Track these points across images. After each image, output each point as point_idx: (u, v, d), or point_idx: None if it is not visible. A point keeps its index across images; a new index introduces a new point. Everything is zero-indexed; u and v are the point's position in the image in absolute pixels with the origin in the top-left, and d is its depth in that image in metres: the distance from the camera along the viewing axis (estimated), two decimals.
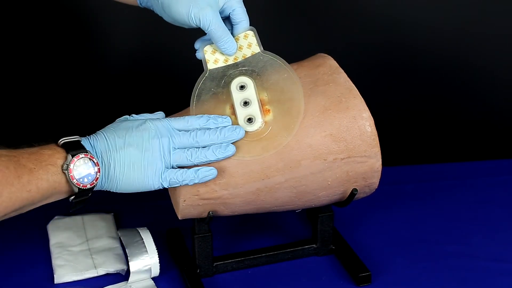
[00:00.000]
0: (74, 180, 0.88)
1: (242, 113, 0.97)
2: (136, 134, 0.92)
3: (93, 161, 0.89)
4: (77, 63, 1.44)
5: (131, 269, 1.04)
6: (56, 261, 1.08)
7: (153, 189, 0.93)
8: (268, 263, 1.09)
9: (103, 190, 0.94)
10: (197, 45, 1.01)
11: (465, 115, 1.56)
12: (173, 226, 1.13)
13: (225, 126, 0.95)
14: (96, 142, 0.91)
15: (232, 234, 1.16)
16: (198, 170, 0.93)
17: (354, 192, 1.00)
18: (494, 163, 1.36)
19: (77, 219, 1.17)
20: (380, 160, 0.99)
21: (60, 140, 0.90)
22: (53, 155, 0.88)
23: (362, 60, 1.48)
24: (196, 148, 0.93)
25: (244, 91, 0.98)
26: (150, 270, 1.04)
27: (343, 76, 1.01)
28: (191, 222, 1.03)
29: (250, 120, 0.96)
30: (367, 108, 0.98)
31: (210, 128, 0.94)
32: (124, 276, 1.06)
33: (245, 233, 1.16)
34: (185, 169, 0.93)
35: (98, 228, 1.15)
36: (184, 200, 0.96)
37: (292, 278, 1.07)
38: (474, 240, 1.15)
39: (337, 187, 0.99)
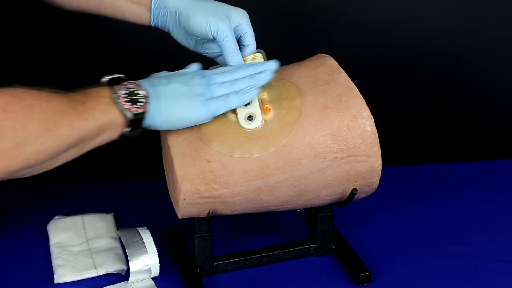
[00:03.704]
0: (126, 105, 0.89)
1: (242, 110, 0.97)
2: (178, 76, 0.95)
3: (141, 87, 0.91)
4: (85, 59, 1.44)
5: (131, 269, 1.03)
6: (56, 261, 1.08)
7: (203, 121, 0.95)
8: (268, 263, 1.09)
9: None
10: None
11: (465, 115, 1.56)
12: (173, 226, 1.13)
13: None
14: (140, 81, 0.93)
15: (232, 234, 1.16)
16: (240, 90, 0.96)
17: (354, 191, 1.00)
18: (494, 163, 1.36)
19: (77, 219, 1.17)
20: (380, 159, 0.99)
21: (103, 78, 0.93)
22: (101, 90, 0.91)
23: (362, 60, 1.48)
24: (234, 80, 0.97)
25: None
26: (150, 270, 1.04)
27: (343, 76, 1.01)
28: (191, 222, 1.03)
29: (250, 118, 0.97)
30: (367, 107, 0.98)
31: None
32: (124, 276, 1.06)
33: (245, 233, 1.16)
34: (227, 94, 0.95)
35: (98, 228, 1.15)
36: (184, 199, 0.95)
37: (292, 278, 1.07)
38: (474, 240, 1.15)
39: (337, 186, 0.99)
